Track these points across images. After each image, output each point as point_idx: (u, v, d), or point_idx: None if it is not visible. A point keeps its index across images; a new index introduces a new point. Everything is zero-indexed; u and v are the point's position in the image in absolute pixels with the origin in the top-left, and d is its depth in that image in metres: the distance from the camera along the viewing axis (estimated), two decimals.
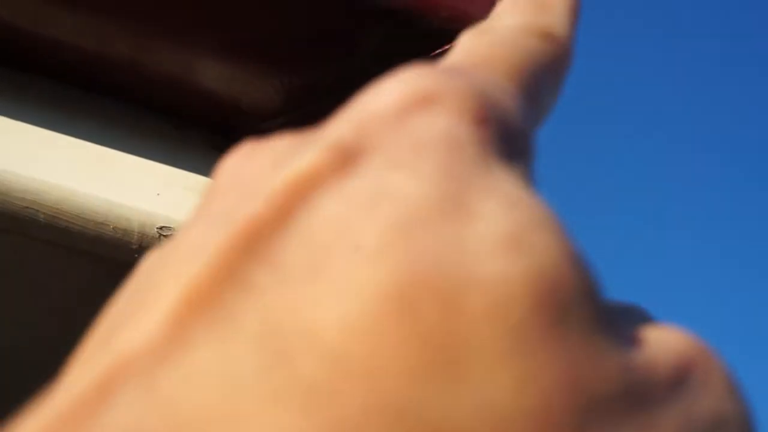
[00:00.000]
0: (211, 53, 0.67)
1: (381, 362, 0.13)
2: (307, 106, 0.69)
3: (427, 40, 0.66)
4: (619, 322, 0.16)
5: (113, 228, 0.61)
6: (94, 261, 0.59)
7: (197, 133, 0.71)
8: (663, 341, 0.16)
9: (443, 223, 0.15)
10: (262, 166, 0.18)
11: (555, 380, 0.14)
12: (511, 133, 0.17)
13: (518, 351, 0.14)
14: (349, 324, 0.14)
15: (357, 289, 0.14)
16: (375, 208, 0.15)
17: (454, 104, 0.16)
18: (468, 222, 0.15)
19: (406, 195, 0.15)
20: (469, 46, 0.19)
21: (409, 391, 0.13)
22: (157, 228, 0.64)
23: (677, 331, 0.17)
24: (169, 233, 0.65)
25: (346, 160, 0.16)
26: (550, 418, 0.14)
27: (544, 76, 0.19)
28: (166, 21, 0.65)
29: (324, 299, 0.14)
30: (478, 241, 0.14)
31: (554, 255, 0.14)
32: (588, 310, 0.15)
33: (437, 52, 0.66)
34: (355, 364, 0.14)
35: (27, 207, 0.56)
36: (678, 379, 0.16)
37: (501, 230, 0.14)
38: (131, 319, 0.15)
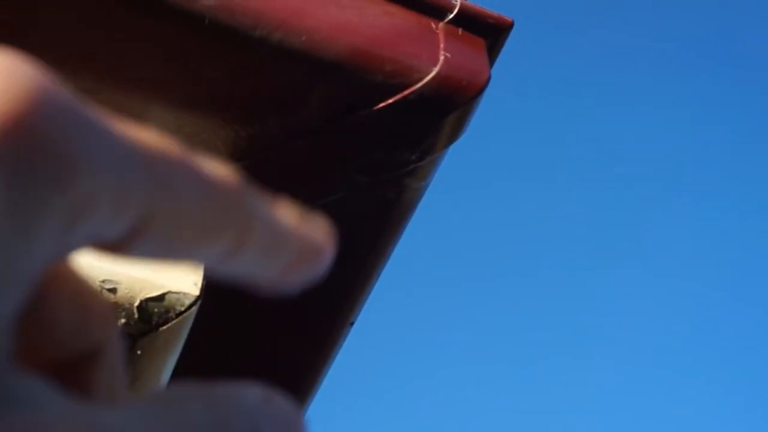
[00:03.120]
0: (161, 105, 0.67)
1: None
2: (254, 156, 0.69)
3: (372, 94, 0.67)
4: None
5: None
6: None
7: None
8: None
9: None
10: None
11: None
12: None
13: None
14: None
15: None
16: None
17: None
18: None
19: None
20: None
21: None
22: (99, 282, 0.63)
23: None
24: (111, 287, 0.64)
25: None
26: None
27: None
28: (118, 70, 0.65)
29: None
30: None
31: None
32: None
33: (381, 105, 0.67)
34: None
35: None
36: None
37: None
38: None
